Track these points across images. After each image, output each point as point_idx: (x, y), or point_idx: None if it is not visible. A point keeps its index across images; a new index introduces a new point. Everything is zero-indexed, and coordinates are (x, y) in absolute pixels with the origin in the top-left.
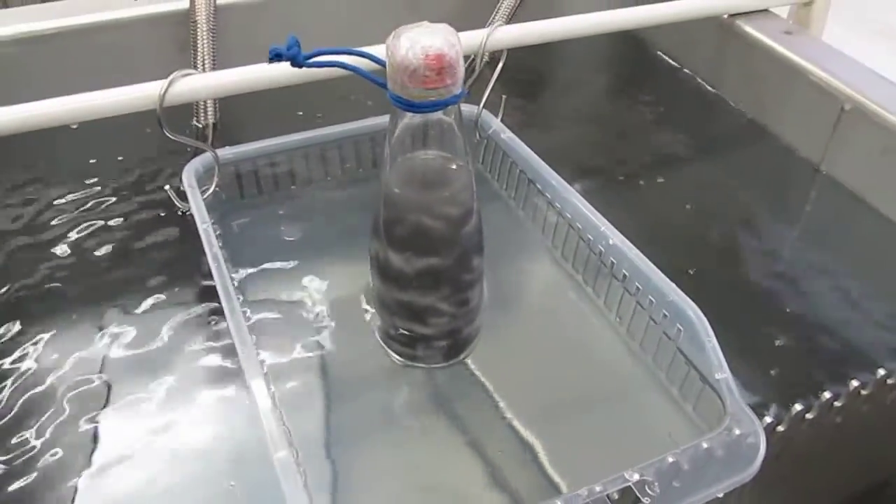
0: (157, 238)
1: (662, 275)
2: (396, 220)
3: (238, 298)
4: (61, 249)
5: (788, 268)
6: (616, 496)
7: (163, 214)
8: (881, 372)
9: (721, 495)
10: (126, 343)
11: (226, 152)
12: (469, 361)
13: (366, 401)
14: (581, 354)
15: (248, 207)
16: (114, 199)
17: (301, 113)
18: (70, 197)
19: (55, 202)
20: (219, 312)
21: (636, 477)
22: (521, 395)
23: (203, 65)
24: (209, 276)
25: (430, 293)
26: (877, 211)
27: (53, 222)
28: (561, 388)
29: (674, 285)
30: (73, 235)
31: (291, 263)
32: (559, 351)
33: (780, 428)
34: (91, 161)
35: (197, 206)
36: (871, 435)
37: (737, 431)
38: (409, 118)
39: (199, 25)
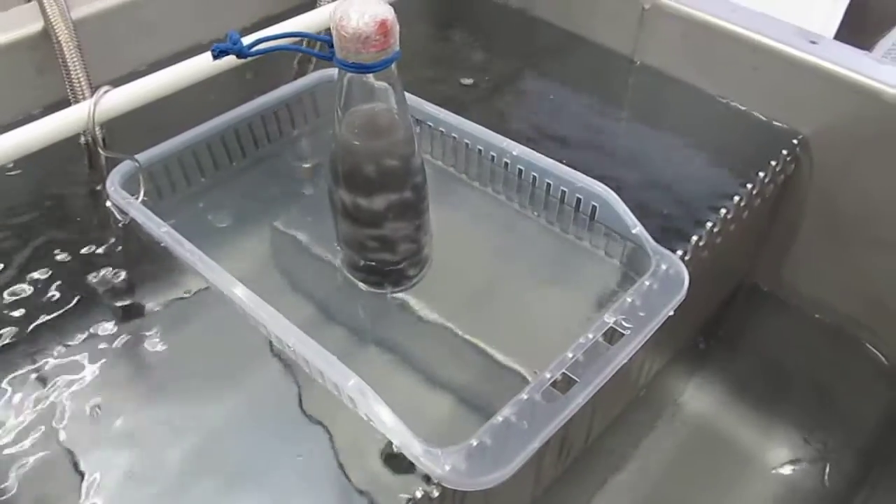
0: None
1: (567, 168)
2: (360, 168)
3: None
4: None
5: (631, 143)
6: (601, 338)
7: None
8: (736, 198)
9: (672, 313)
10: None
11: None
12: (423, 282)
13: (343, 327)
14: (513, 251)
15: (169, 208)
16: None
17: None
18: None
19: None
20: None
21: (612, 319)
22: (475, 301)
23: (79, 82)
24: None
25: (399, 223)
26: (687, 84)
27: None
28: (504, 284)
29: (579, 174)
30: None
31: (238, 244)
32: (493, 254)
33: (687, 256)
34: None
35: (146, 215)
36: (735, 248)
37: (663, 266)
38: (356, 80)
39: (62, 45)
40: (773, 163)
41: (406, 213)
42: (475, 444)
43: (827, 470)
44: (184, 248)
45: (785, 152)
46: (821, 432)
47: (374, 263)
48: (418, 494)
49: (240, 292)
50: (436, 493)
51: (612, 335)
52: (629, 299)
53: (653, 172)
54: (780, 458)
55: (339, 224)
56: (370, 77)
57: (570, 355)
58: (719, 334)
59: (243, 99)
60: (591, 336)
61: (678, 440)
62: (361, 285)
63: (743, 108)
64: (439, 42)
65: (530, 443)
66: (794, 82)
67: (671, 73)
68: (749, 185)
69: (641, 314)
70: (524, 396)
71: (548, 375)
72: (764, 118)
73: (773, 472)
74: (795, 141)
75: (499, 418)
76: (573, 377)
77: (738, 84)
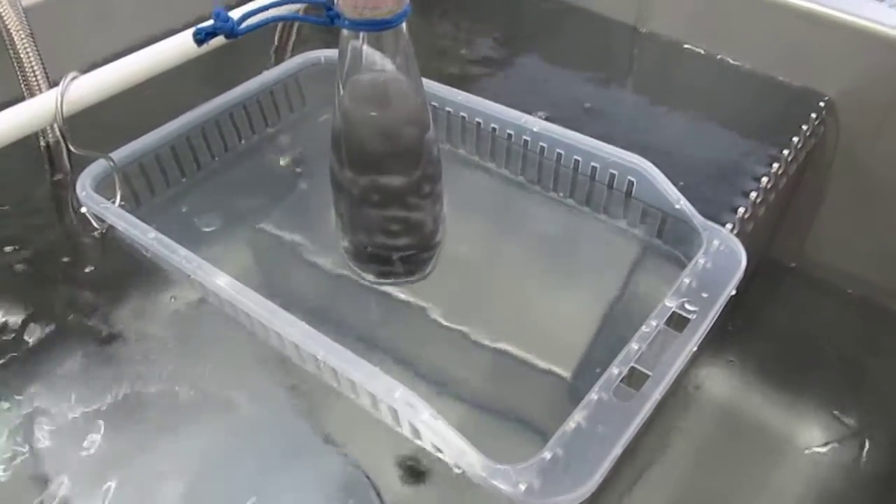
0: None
1: (597, 141)
2: (376, 143)
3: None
4: None
5: (646, 118)
6: (663, 326)
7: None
8: (775, 166)
9: (734, 292)
10: None
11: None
12: (439, 278)
13: (353, 329)
14: (538, 238)
15: (148, 213)
16: None
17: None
18: None
19: None
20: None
21: (673, 303)
22: (499, 296)
23: (34, 75)
24: None
25: (419, 201)
26: (698, 51)
27: None
28: (531, 276)
29: (612, 147)
30: None
31: (229, 247)
32: (514, 243)
33: (735, 230)
34: None
35: (128, 221)
36: (767, 220)
37: (715, 243)
38: (361, 46)
39: (12, 34)
40: (805, 127)
41: (426, 190)
42: (548, 456)
43: (865, 448)
44: (179, 256)
45: (814, 116)
46: (854, 409)
47: (386, 252)
48: None
49: (252, 301)
50: None
51: (671, 321)
52: (686, 280)
53: (676, 147)
54: (813, 438)
55: (347, 211)
56: (381, 37)
57: (636, 347)
58: (739, 313)
59: (205, 93)
60: (654, 324)
61: (706, 427)
62: (370, 277)
63: (760, 73)
64: (429, 16)
65: (611, 449)
66: (817, 40)
67: (680, 39)
68: (785, 152)
69: (704, 295)
70: (594, 397)
71: (615, 371)
72: (785, 81)
73: (807, 452)
74: (822, 104)
75: (570, 424)
76: (644, 371)
77: (754, 46)
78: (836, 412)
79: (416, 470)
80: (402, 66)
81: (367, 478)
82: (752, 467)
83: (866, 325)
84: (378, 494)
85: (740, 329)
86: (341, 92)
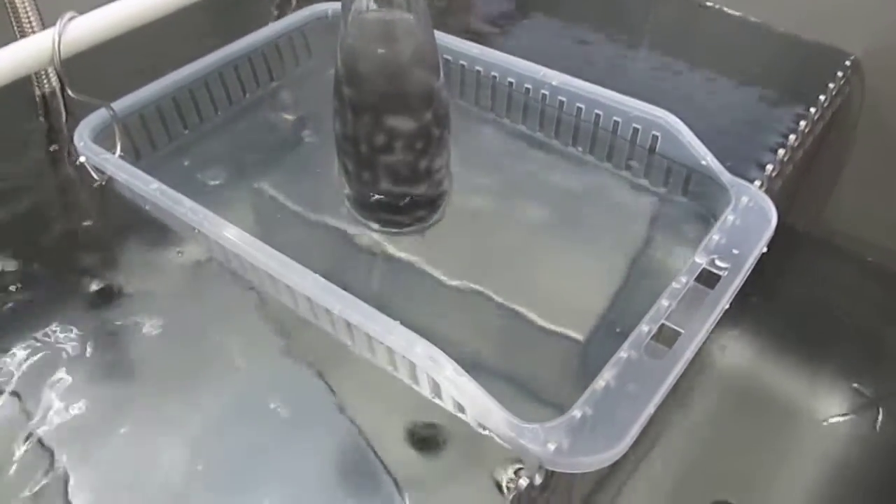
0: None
1: (620, 95)
2: (384, 81)
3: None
4: None
5: (666, 77)
6: (693, 283)
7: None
8: (802, 124)
9: (766, 250)
10: None
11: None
12: (449, 238)
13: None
14: (557, 199)
15: (149, 168)
16: None
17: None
18: None
19: None
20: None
21: (703, 260)
22: (514, 253)
23: (28, 20)
24: None
25: (430, 147)
26: (717, 8)
27: None
28: (551, 236)
29: (636, 100)
30: None
31: (233, 200)
32: (535, 203)
33: (763, 188)
34: None
35: (129, 172)
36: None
37: (744, 199)
38: None
39: None
40: (831, 86)
41: (435, 134)
42: (578, 415)
43: (879, 417)
44: (184, 208)
45: (840, 75)
46: (872, 380)
47: (391, 199)
48: (522, 483)
49: (263, 254)
50: (539, 480)
51: (705, 276)
52: (716, 237)
53: (698, 105)
54: (831, 409)
55: (352, 157)
56: None
57: (666, 303)
58: (756, 281)
59: (209, 45)
60: (684, 280)
61: (721, 397)
62: (374, 227)
63: (784, 31)
64: None
65: (643, 409)
66: None
67: None
68: (812, 110)
69: (735, 252)
70: (623, 355)
71: (645, 329)
72: (810, 40)
73: (825, 424)
74: (847, 63)
75: (600, 383)
76: (675, 328)
77: (778, 4)
78: (854, 383)
79: (421, 439)
80: (409, 4)
81: (370, 445)
82: (769, 438)
83: (886, 293)
84: (381, 461)
85: (757, 297)
86: (346, 31)
